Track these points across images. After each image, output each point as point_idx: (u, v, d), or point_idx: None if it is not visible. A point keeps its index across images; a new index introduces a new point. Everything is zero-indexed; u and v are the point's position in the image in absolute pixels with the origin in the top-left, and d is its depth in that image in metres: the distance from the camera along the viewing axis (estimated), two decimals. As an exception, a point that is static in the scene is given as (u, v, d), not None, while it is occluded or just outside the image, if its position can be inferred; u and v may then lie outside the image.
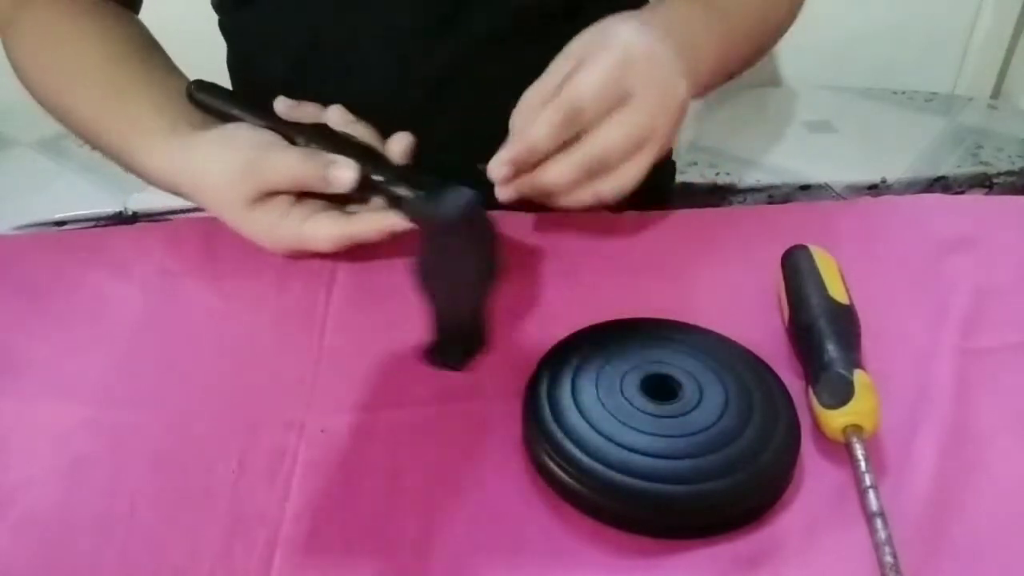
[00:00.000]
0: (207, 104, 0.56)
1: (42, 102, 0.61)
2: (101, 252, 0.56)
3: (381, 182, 0.50)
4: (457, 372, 0.46)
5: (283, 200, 0.51)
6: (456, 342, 0.47)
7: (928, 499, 0.39)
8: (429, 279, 0.45)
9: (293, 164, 0.50)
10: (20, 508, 0.40)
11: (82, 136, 0.60)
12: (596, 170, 0.49)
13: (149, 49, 0.62)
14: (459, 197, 0.44)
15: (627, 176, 0.50)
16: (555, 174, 0.49)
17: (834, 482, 0.40)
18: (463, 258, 0.45)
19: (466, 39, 0.63)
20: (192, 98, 0.56)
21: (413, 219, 0.47)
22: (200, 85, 0.56)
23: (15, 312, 0.51)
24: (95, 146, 0.60)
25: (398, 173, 0.50)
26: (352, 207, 0.53)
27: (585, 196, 0.50)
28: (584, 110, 0.48)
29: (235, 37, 0.72)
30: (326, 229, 0.51)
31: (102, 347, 0.48)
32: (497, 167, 0.48)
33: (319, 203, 0.52)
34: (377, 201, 0.52)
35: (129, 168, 0.58)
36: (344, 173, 0.50)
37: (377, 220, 0.51)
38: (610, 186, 0.50)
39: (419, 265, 0.44)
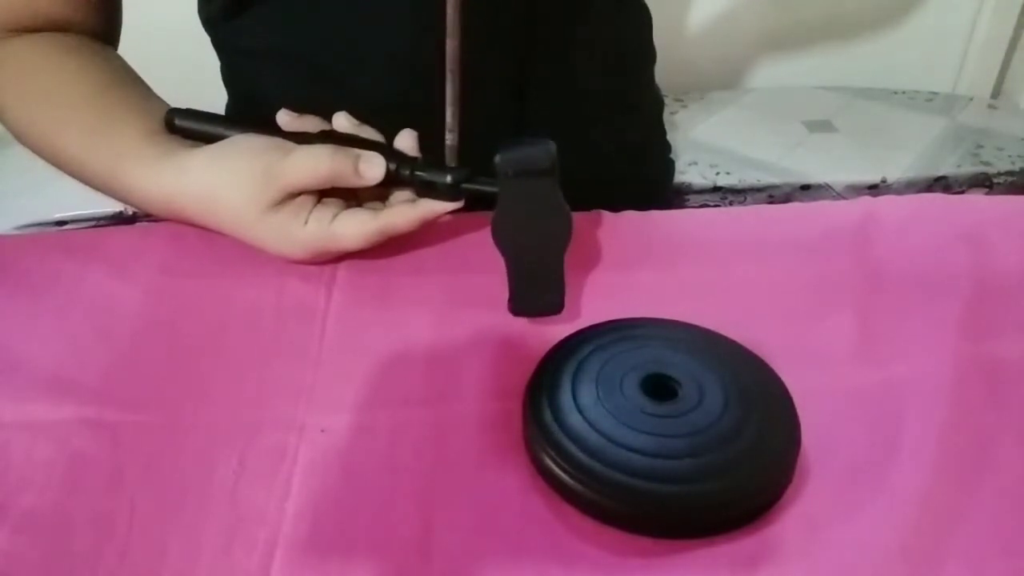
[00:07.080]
0: (191, 130, 0.55)
1: (20, 135, 0.60)
2: (101, 252, 0.56)
3: (411, 171, 0.51)
4: (547, 317, 0.48)
5: (307, 200, 0.51)
6: (539, 292, 0.48)
7: (928, 500, 0.39)
8: (510, 233, 0.47)
9: (323, 159, 0.50)
10: (20, 508, 0.40)
11: (63, 167, 0.58)
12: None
13: (134, 81, 0.61)
14: (544, 145, 0.45)
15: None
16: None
17: (834, 482, 0.40)
18: (547, 205, 0.46)
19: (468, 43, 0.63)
20: (173, 127, 0.55)
21: (499, 171, 0.46)
22: (178, 112, 0.55)
23: (15, 312, 0.51)
24: (80, 177, 0.58)
25: (425, 162, 0.51)
26: (369, 204, 0.53)
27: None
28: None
29: (229, 52, 0.71)
30: (358, 225, 0.51)
31: (102, 347, 0.48)
32: None
33: (340, 201, 0.52)
34: (398, 195, 0.53)
35: (120, 197, 0.56)
36: (376, 164, 0.50)
37: (411, 209, 0.51)
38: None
39: (499, 220, 0.47)
